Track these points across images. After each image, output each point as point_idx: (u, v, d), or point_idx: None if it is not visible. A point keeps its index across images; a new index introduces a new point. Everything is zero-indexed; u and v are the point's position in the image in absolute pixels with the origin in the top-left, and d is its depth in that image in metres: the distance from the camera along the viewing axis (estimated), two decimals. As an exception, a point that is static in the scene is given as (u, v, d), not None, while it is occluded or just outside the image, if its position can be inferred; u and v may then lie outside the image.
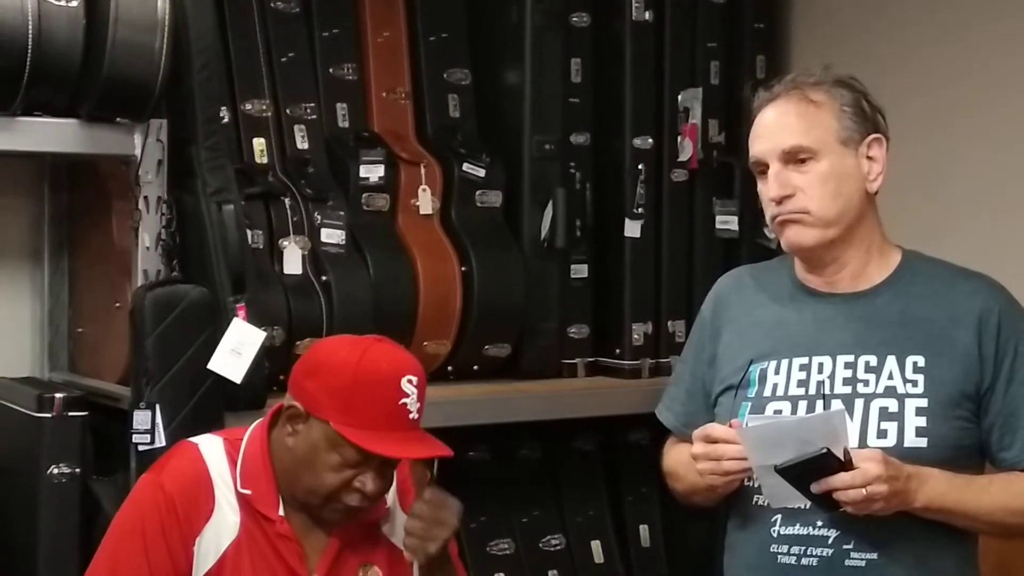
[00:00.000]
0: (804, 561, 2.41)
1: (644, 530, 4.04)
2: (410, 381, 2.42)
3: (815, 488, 2.29)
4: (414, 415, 2.42)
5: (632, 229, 3.89)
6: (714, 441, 2.42)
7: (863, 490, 2.28)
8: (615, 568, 3.96)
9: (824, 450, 2.26)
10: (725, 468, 2.41)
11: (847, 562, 2.39)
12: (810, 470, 2.29)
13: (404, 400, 2.40)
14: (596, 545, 3.95)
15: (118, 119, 3.08)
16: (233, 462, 2.49)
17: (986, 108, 3.76)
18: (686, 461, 2.52)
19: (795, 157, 2.43)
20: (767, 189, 2.46)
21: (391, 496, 2.56)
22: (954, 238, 3.48)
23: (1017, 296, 2.52)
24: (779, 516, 2.43)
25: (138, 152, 3.10)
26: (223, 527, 2.46)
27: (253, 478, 2.47)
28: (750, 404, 2.49)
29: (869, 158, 2.46)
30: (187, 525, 2.44)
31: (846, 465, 2.28)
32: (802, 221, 2.44)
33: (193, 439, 2.56)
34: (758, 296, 2.58)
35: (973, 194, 3.78)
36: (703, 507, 2.57)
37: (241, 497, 2.46)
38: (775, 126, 2.46)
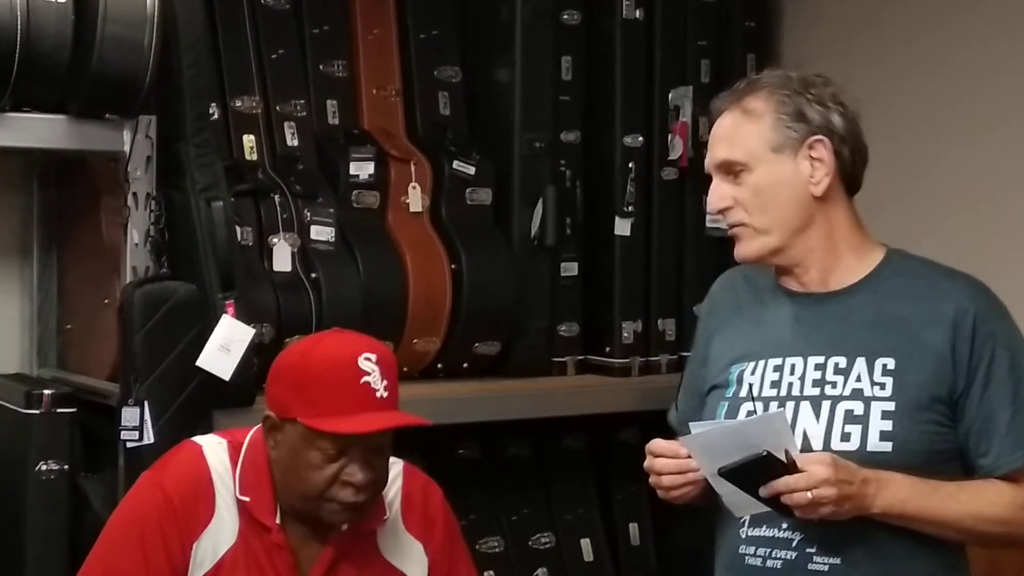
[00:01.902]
0: (769, 563, 2.39)
1: (634, 528, 4.04)
2: (368, 359, 2.36)
3: (762, 492, 2.26)
4: (382, 393, 2.36)
5: (622, 227, 3.89)
6: (658, 455, 2.41)
7: (808, 493, 2.23)
8: (604, 566, 3.96)
9: (764, 453, 2.23)
10: (664, 484, 2.40)
11: (810, 566, 2.36)
12: (755, 474, 2.25)
13: (366, 378, 2.34)
14: (586, 543, 3.95)
15: (107, 115, 3.07)
16: (235, 466, 2.46)
17: (978, 105, 3.76)
18: None
19: (730, 169, 2.42)
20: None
21: (394, 508, 2.53)
22: (939, 235, 3.49)
23: (998, 292, 2.47)
24: (748, 518, 2.40)
25: (127, 148, 3.09)
26: (221, 533, 2.43)
27: (252, 485, 2.44)
28: (727, 404, 2.47)
29: (815, 159, 2.40)
30: (186, 529, 2.41)
31: (790, 468, 2.24)
32: (741, 235, 2.44)
33: (197, 439, 2.53)
34: (746, 296, 2.57)
35: (965, 191, 3.78)
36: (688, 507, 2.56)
37: (240, 503, 2.44)
38: (715, 138, 2.46)
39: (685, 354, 3.97)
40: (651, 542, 4.05)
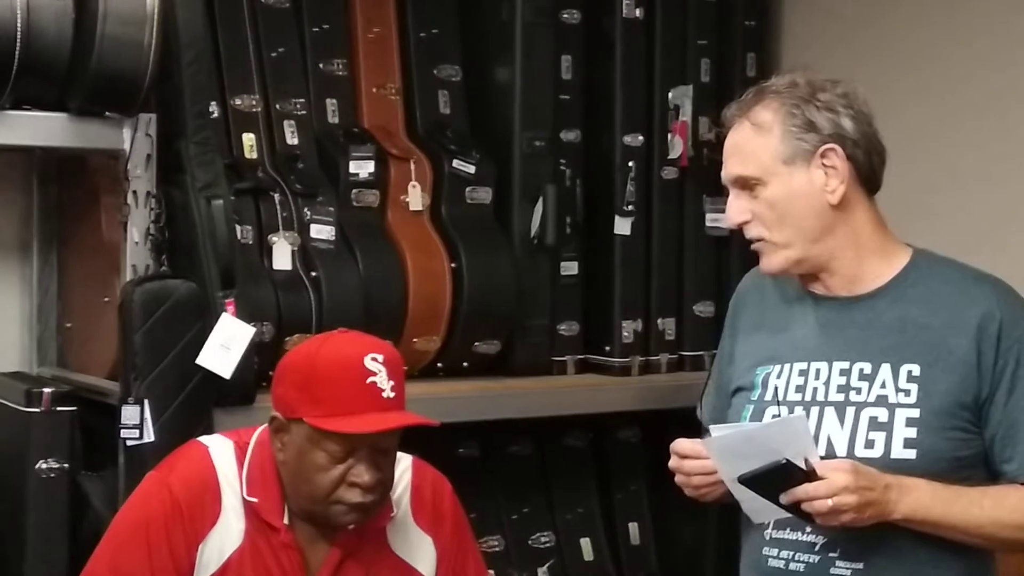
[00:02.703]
0: (791, 566, 2.38)
1: (634, 528, 4.03)
2: (375, 359, 2.35)
3: (783, 499, 2.25)
4: (388, 393, 2.35)
5: (622, 226, 3.88)
6: (684, 456, 2.41)
7: (828, 501, 2.22)
8: (605, 565, 3.96)
9: (784, 461, 2.21)
10: (694, 483, 2.40)
11: (832, 570, 2.35)
12: (775, 481, 2.24)
13: (372, 379, 2.33)
14: (586, 542, 3.95)
15: (107, 113, 3.08)
16: (242, 467, 2.45)
17: (979, 100, 3.76)
18: None
19: (745, 184, 2.41)
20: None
21: (403, 503, 2.52)
22: (942, 235, 3.48)
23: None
24: (773, 519, 2.39)
25: (127, 146, 3.09)
26: (227, 534, 2.42)
27: (259, 485, 2.43)
28: (752, 407, 2.46)
29: (828, 168, 2.38)
30: (192, 530, 2.40)
31: (810, 475, 2.23)
32: (763, 250, 2.43)
33: (203, 439, 2.52)
34: (773, 297, 2.54)
35: (967, 189, 3.78)
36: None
37: (247, 504, 2.42)
38: (727, 153, 2.44)
39: (685, 353, 4.00)
40: (651, 541, 4.05)
